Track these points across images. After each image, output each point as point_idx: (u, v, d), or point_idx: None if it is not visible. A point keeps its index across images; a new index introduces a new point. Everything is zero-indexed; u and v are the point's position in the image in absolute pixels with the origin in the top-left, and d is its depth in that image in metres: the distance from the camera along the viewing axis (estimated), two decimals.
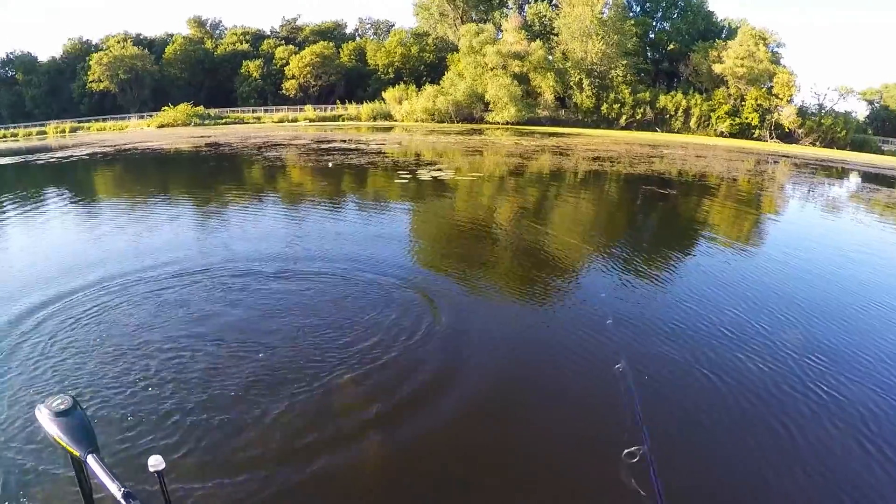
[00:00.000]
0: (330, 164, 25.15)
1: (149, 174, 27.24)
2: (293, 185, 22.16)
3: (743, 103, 55.22)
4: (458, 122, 56.05)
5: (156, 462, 2.31)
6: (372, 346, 6.92)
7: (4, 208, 17.03)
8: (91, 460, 2.04)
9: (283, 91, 74.69)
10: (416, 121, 57.37)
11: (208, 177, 24.85)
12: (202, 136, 44.76)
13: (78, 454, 2.06)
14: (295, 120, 62.87)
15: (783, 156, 39.99)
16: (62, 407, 2.11)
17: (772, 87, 54.24)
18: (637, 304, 8.58)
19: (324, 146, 34.97)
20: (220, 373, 6.43)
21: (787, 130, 54.18)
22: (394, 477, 4.96)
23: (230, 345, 7.16)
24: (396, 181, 21.11)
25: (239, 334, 7.47)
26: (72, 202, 18.38)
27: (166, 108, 62.38)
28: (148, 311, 8.31)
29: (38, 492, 4.61)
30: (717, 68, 55.38)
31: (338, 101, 67.54)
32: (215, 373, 6.45)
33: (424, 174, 22.51)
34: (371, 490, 4.79)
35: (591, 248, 12.31)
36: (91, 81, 74.37)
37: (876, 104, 78.47)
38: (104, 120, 65.07)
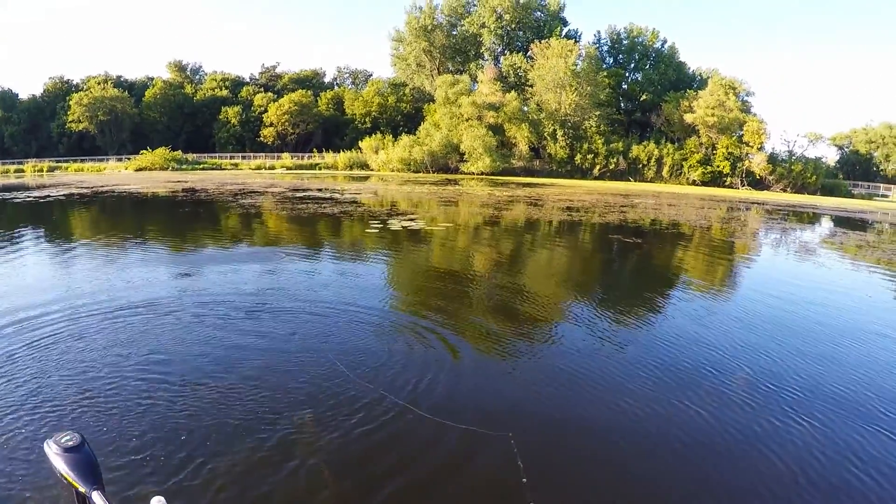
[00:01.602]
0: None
1: (125, 217, 27.19)
2: (267, 232, 22.11)
3: (714, 152, 56.31)
4: (433, 172, 56.38)
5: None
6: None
7: None
8: (96, 496, 2.11)
9: (261, 138, 74.98)
10: (392, 170, 57.66)
11: (184, 221, 24.75)
12: (179, 181, 44.87)
13: (84, 490, 2.13)
14: (272, 168, 63.15)
15: (755, 202, 40.59)
16: (70, 443, 2.18)
17: (742, 135, 55.50)
18: (607, 358, 8.49)
19: (299, 195, 35.00)
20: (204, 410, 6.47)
21: (758, 177, 55.22)
22: None
23: (215, 382, 7.29)
24: (368, 231, 21.10)
25: (215, 371, 7.60)
26: (46, 240, 18.25)
27: (145, 151, 62.82)
28: (114, 345, 8.39)
29: None
30: (688, 118, 56.57)
31: (315, 150, 67.90)
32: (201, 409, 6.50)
33: (395, 224, 22.54)
34: None
35: (563, 299, 12.19)
36: (71, 121, 74.41)
37: (845, 149, 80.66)
38: (82, 161, 65.83)
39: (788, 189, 54.30)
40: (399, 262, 16.26)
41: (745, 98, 58.12)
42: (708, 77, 63.58)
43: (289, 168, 62.77)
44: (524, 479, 4.94)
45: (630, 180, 55.71)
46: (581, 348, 8.71)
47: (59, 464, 2.16)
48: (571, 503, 4.91)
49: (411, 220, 24.02)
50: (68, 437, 2.21)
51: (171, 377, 7.58)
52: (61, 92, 79.14)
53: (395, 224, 22.50)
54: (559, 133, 57.75)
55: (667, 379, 7.39)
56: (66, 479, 2.16)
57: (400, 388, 7.15)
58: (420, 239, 19.54)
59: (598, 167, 57.14)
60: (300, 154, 68.67)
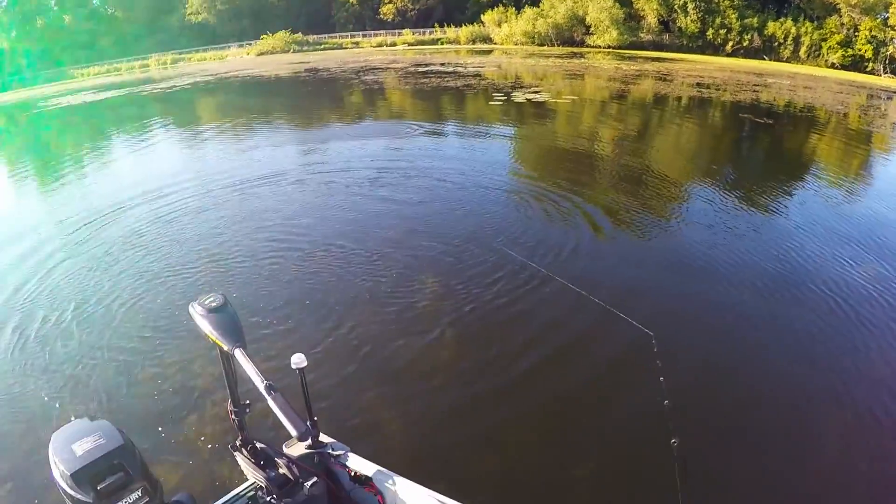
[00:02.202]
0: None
1: (250, 100, 29.03)
2: (390, 106, 23.36)
3: (856, 34, 52.13)
4: (558, 46, 55.66)
5: (298, 360, 2.60)
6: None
7: (118, 135, 19.00)
8: (238, 354, 2.25)
9: (381, 15, 74.74)
10: (516, 44, 57.36)
11: (308, 100, 26.22)
12: (301, 63, 45.81)
13: (227, 348, 2.27)
14: (393, 44, 63.65)
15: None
16: (214, 304, 2.33)
17: (888, 17, 50.96)
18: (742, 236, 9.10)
19: (421, 70, 35.68)
20: (349, 273, 7.60)
21: None
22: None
23: (356, 248, 8.37)
24: (491, 103, 21.90)
25: (352, 237, 8.77)
26: (177, 126, 20.27)
27: (265, 36, 63.57)
28: (250, 214, 9.97)
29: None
30: None
31: (436, 25, 67.65)
32: (346, 273, 7.59)
33: (519, 96, 23.17)
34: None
35: (694, 178, 12.58)
36: (189, 14, 74.84)
37: None
38: (205, 50, 66.17)
39: None
40: (524, 134, 17.17)
41: None
42: None
43: (410, 44, 63.37)
44: (661, 379, 5.04)
45: (764, 59, 52.92)
46: (716, 232, 9.17)
47: (204, 324, 2.31)
48: (706, 413, 5.19)
49: (535, 92, 24.53)
50: (212, 299, 2.35)
51: (307, 242, 8.69)
52: None
53: (519, 96, 23.14)
54: (690, 6, 54.86)
55: (801, 268, 7.76)
56: (210, 337, 2.32)
57: (542, 255, 7.80)
58: (545, 112, 20.32)
59: (730, 43, 54.31)
60: (421, 30, 68.59)
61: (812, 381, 5.60)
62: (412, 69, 36.37)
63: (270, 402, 2.14)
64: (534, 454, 4.76)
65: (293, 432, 2.11)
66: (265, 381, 2.16)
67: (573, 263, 7.75)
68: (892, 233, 9.40)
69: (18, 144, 21.70)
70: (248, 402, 2.69)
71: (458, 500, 2.40)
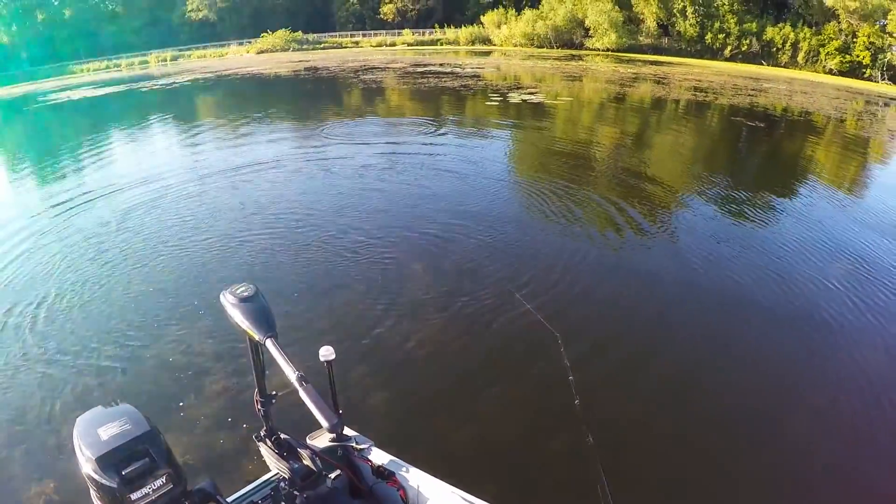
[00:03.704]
0: None
1: (250, 97, 29.11)
2: (388, 105, 23.50)
3: (854, 40, 52.29)
4: (557, 48, 55.82)
5: (326, 352, 2.60)
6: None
7: (118, 128, 19.18)
8: (269, 344, 2.21)
9: (381, 15, 74.80)
10: (515, 45, 57.57)
11: (307, 98, 26.38)
12: (300, 61, 45.93)
13: (258, 338, 2.23)
14: (393, 44, 63.85)
15: (893, 98, 37.61)
16: (246, 294, 2.28)
17: (886, 24, 51.11)
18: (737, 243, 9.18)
19: (420, 70, 35.82)
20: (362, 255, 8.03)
21: None
22: None
23: (374, 233, 8.88)
24: (488, 104, 22.09)
25: (383, 222, 9.29)
26: (177, 121, 20.44)
27: (265, 34, 63.57)
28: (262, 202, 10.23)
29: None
30: (828, 1, 52.45)
31: (436, 26, 67.77)
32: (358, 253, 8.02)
33: (515, 97, 23.34)
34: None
35: (687, 183, 12.63)
36: (190, 10, 74.48)
37: None
38: (204, 48, 65.95)
39: None
40: (516, 133, 17.29)
41: None
42: None
43: (410, 44, 63.61)
44: None
45: (763, 64, 53.11)
46: (703, 238, 9.38)
47: (235, 313, 2.26)
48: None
49: (531, 94, 24.67)
50: (243, 288, 2.31)
51: (325, 229, 9.05)
52: None
53: (515, 97, 23.28)
54: (689, 10, 55.02)
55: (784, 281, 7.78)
56: (240, 327, 2.26)
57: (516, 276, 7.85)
58: (540, 112, 20.42)
59: (729, 48, 54.49)
60: (421, 30, 68.76)
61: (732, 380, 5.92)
62: (411, 69, 36.54)
63: (302, 394, 2.10)
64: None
65: (324, 424, 2.08)
66: (297, 372, 2.13)
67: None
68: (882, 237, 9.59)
69: (28, 137, 21.76)
70: (274, 392, 2.67)
71: (482, 498, 2.37)
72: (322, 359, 2.59)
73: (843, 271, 8.04)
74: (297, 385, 2.10)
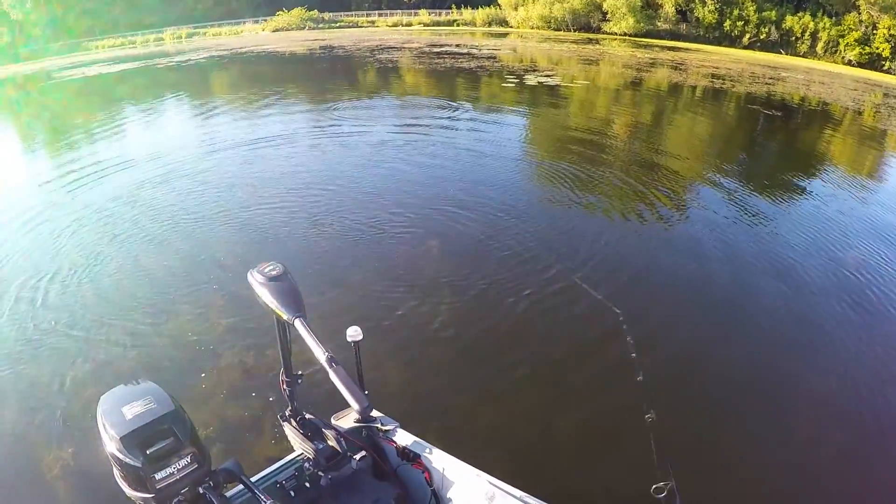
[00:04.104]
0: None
1: (265, 75, 29.13)
2: (403, 84, 23.51)
3: (875, 32, 51.62)
4: (574, 31, 55.43)
5: (354, 333, 2.61)
6: None
7: (132, 104, 19.27)
8: (298, 324, 2.18)
9: None
10: (532, 28, 57.16)
11: (322, 77, 26.38)
12: (316, 40, 45.94)
13: (286, 317, 2.20)
14: (409, 24, 63.49)
15: None
16: (274, 273, 2.25)
17: None
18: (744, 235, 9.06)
19: (436, 50, 35.69)
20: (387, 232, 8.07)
21: None
22: None
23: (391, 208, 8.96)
24: (504, 85, 22.07)
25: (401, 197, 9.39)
26: (194, 97, 20.39)
27: (281, 12, 63.12)
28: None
29: None
30: None
31: (453, 6, 67.17)
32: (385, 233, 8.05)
33: (531, 79, 23.30)
34: None
35: (701, 172, 12.49)
36: None
37: None
38: (220, 25, 65.46)
39: None
40: (531, 115, 17.35)
41: None
42: None
43: (426, 25, 63.23)
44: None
45: (781, 53, 52.56)
46: (708, 218, 9.46)
47: (264, 292, 2.24)
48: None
49: (548, 76, 24.59)
50: (271, 267, 2.28)
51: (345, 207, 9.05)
52: None
53: (532, 80, 23.22)
54: None
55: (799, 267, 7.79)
56: (268, 306, 2.24)
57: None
58: (555, 95, 20.42)
59: (747, 36, 53.91)
60: (437, 11, 68.27)
61: (786, 364, 5.88)
62: (427, 49, 36.42)
63: (332, 375, 2.10)
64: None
65: (355, 407, 2.09)
66: (327, 353, 2.10)
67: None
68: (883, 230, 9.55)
69: (42, 113, 21.86)
70: (300, 372, 2.68)
71: (508, 482, 2.36)
72: (350, 339, 2.61)
73: None
74: (326, 366, 2.10)
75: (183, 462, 2.13)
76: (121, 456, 2.05)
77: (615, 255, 7.87)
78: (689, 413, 5.04)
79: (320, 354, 2.10)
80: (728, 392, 5.38)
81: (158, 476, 2.09)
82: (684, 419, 4.91)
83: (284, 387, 2.65)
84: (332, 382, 2.11)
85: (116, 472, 2.13)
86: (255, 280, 2.26)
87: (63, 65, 38.70)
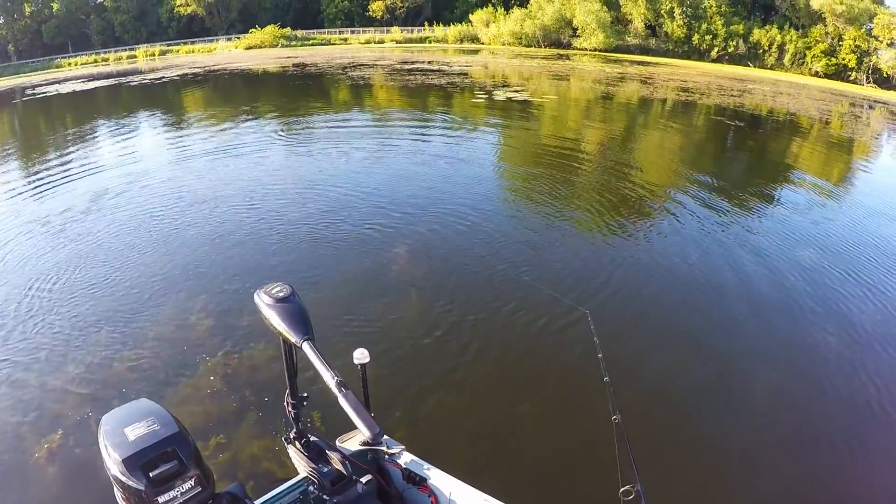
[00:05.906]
0: None
1: (238, 92, 29.07)
2: (376, 101, 23.63)
3: (840, 43, 52.70)
4: (545, 47, 55.97)
5: (361, 356, 2.59)
6: None
7: (107, 124, 19.14)
8: (306, 347, 2.13)
9: (370, 13, 74.21)
10: (503, 44, 57.62)
11: (295, 94, 26.45)
12: (289, 57, 46.03)
13: (294, 340, 2.15)
14: (381, 42, 63.74)
15: (879, 101, 37.58)
16: (281, 294, 2.20)
17: (872, 28, 51.57)
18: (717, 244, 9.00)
19: (408, 67, 35.85)
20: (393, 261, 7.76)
21: (885, 75, 51.72)
22: None
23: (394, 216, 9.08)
24: (474, 101, 22.27)
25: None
26: (169, 116, 20.33)
27: (254, 30, 63.40)
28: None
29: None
30: (815, 4, 52.74)
31: (425, 23, 67.56)
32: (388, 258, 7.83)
33: (500, 95, 23.52)
34: None
35: (671, 182, 12.49)
36: (179, 5, 73.12)
37: None
38: (192, 43, 65.78)
39: None
40: (499, 128, 17.47)
41: None
42: None
43: (398, 42, 63.44)
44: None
45: (749, 65, 53.41)
46: (671, 224, 9.52)
47: (271, 314, 2.19)
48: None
49: (517, 91, 24.80)
50: (279, 288, 2.23)
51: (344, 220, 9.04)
52: None
53: (501, 95, 23.44)
54: (677, 11, 55.23)
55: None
56: (276, 329, 2.18)
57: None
58: (524, 110, 20.54)
59: (716, 49, 54.73)
60: (409, 28, 68.59)
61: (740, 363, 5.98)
62: (399, 66, 36.54)
63: (341, 400, 2.03)
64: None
65: (366, 433, 2.00)
66: (336, 378, 2.05)
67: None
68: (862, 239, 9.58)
69: (16, 130, 21.53)
70: (305, 394, 2.62)
71: None
72: (356, 362, 2.58)
73: None
74: (335, 391, 2.04)
75: (187, 485, 2.07)
76: (123, 478, 2.00)
77: (581, 264, 7.88)
78: (656, 414, 5.06)
79: (329, 379, 2.06)
80: (692, 393, 5.44)
81: (162, 499, 2.03)
82: (651, 420, 4.93)
83: (290, 409, 2.61)
84: (340, 405, 2.06)
85: (118, 494, 2.07)
86: (262, 301, 2.21)
87: (37, 81, 38.30)
